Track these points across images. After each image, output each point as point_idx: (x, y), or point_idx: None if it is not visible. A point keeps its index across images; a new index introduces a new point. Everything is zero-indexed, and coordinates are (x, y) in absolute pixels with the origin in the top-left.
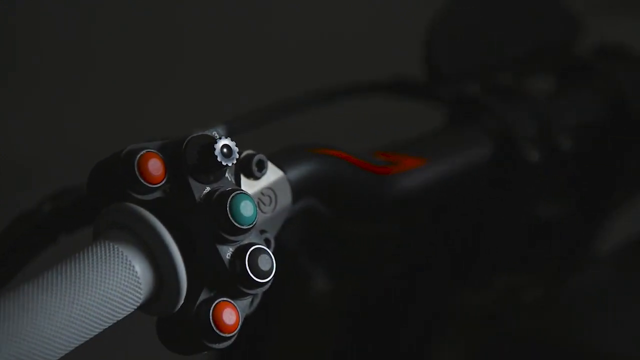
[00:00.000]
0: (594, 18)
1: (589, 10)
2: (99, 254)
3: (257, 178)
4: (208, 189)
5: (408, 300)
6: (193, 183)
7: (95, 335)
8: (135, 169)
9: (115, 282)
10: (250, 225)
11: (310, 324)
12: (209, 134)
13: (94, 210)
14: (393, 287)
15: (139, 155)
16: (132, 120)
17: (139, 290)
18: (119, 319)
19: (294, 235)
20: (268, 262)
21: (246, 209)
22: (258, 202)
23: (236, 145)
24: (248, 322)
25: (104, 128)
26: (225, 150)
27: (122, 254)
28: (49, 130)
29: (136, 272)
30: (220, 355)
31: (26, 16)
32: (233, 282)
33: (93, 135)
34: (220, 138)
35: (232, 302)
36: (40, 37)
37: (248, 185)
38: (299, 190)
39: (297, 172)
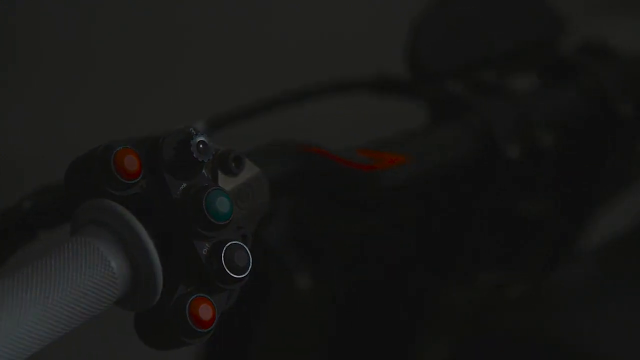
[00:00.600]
0: (594, 18)
1: (589, 10)
2: (74, 250)
3: (234, 174)
4: (185, 185)
5: (393, 297)
6: (169, 179)
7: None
8: (112, 165)
9: (92, 278)
10: (227, 222)
11: (297, 322)
12: (186, 130)
13: (73, 206)
14: (378, 284)
15: (115, 152)
16: (131, 120)
17: (115, 286)
18: (95, 314)
19: (279, 233)
20: (244, 257)
21: (222, 205)
22: (235, 199)
23: (211, 142)
24: (237, 321)
25: (105, 128)
26: (201, 146)
27: (98, 250)
28: (49, 130)
29: (112, 267)
30: (208, 355)
31: (26, 16)
32: (209, 278)
33: (93, 135)
34: (196, 134)
35: (209, 297)
36: (40, 37)
37: (225, 182)
38: (276, 186)
39: (275, 168)
